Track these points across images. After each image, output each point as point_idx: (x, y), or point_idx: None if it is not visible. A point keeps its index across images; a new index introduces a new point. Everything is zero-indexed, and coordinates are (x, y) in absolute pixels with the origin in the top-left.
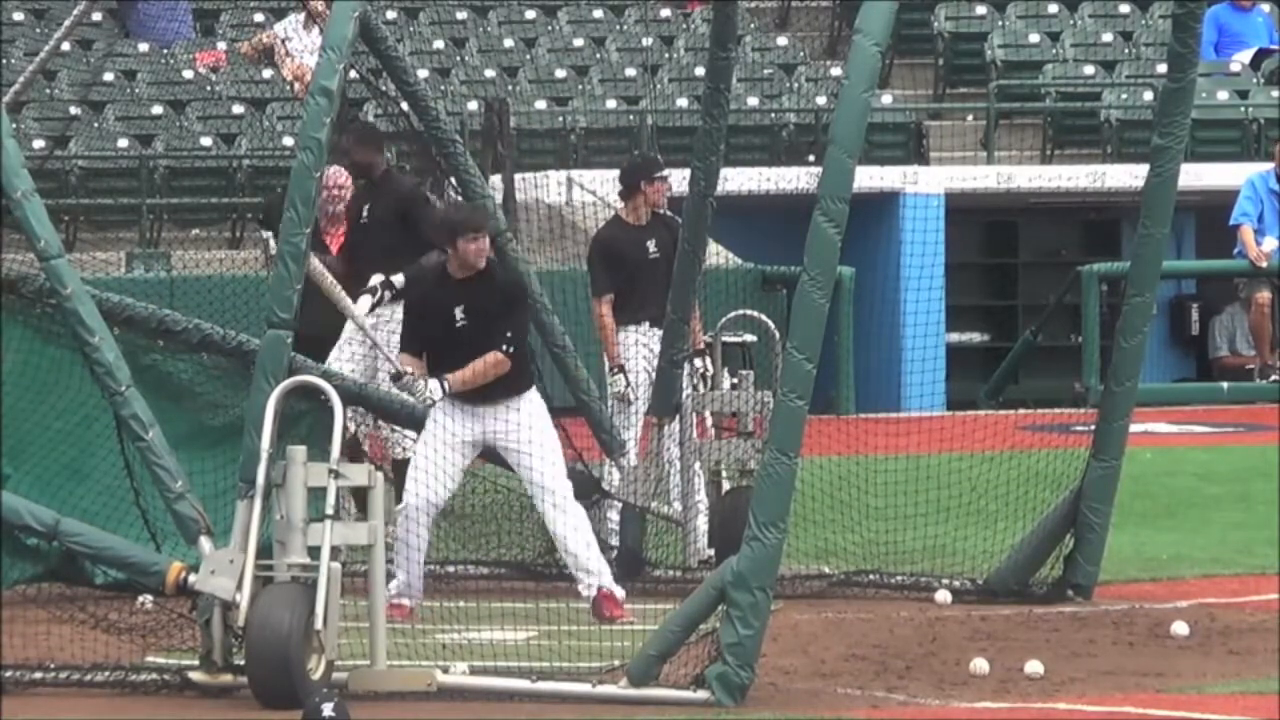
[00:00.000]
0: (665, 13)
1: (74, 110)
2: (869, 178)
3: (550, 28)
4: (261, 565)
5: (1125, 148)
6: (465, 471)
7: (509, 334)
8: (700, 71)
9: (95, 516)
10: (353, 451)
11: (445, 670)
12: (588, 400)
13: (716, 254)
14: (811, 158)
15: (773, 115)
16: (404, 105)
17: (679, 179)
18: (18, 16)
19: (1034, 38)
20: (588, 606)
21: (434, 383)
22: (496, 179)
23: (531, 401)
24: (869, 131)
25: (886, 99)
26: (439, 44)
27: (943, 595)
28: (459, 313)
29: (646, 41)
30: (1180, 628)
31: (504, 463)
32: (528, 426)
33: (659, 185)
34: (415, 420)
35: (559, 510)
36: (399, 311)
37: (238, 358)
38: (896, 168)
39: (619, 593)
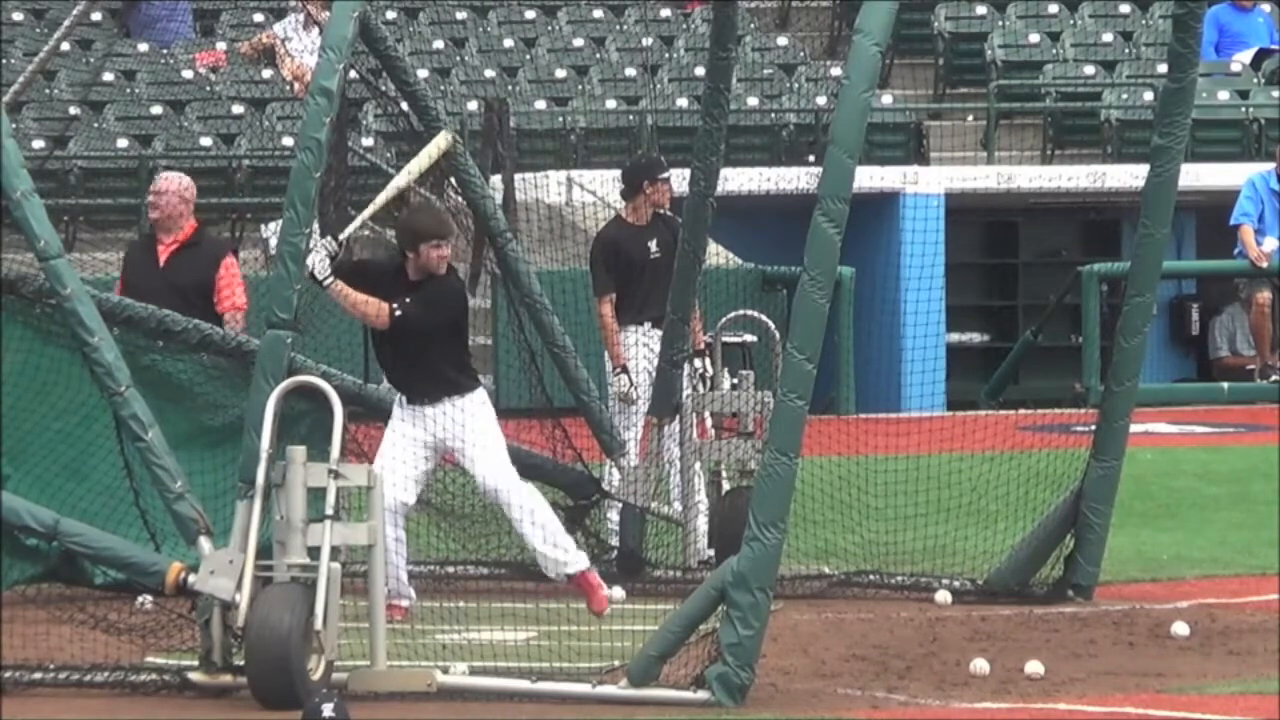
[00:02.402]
0: (665, 13)
1: (74, 110)
2: (869, 178)
3: (550, 28)
4: (261, 565)
5: (1125, 148)
6: (430, 472)
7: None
8: (700, 71)
9: (95, 516)
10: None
11: (445, 670)
12: (588, 400)
13: (716, 254)
14: (811, 158)
15: (773, 115)
16: (404, 105)
17: (679, 179)
18: (18, 16)
19: (1034, 38)
20: (584, 605)
21: (318, 255)
22: (496, 179)
23: (474, 402)
24: (869, 131)
25: (886, 99)
26: (439, 44)
27: (943, 595)
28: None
29: (646, 41)
30: (1180, 628)
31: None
32: (470, 427)
33: (661, 186)
34: None
35: (510, 501)
36: None
37: (238, 358)
38: (896, 168)
39: (616, 593)
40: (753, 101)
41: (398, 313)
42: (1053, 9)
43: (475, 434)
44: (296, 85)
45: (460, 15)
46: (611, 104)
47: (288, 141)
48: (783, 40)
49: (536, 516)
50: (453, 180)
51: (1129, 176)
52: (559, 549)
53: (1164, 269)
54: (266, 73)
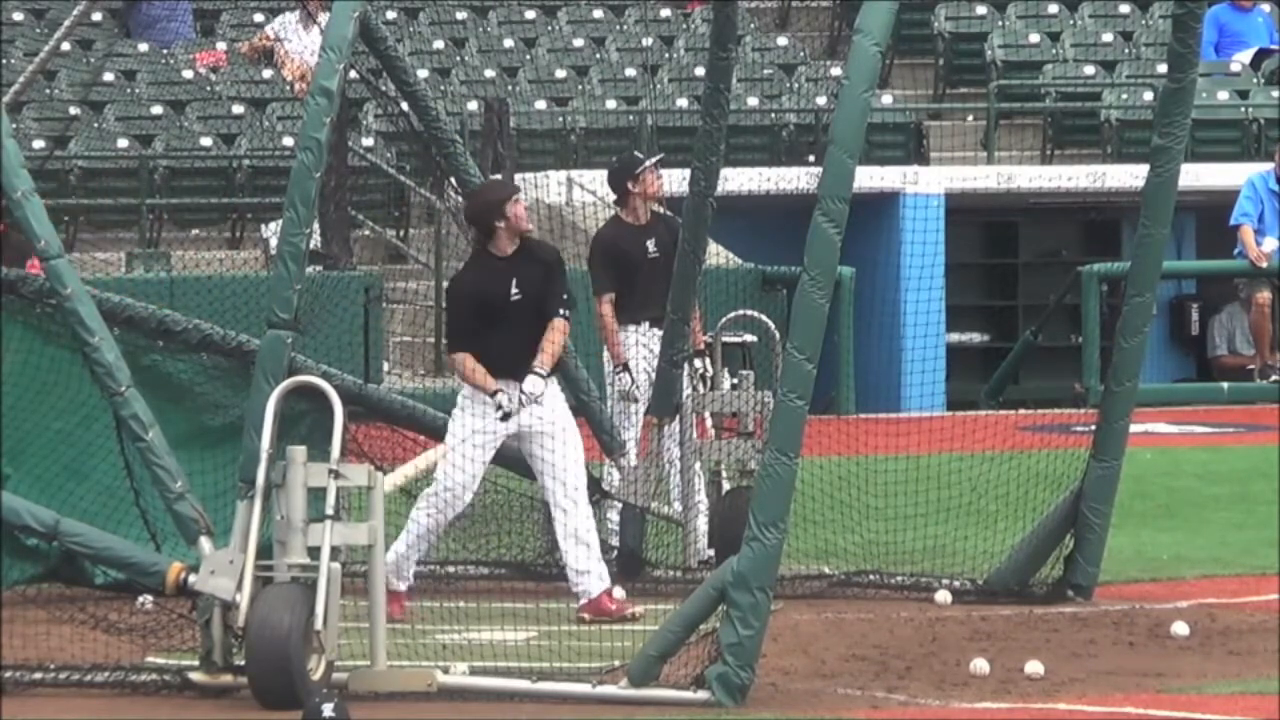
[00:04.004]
0: (665, 13)
1: (74, 110)
2: (869, 178)
3: (550, 28)
4: (261, 565)
5: (1125, 148)
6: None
7: (562, 297)
8: (700, 71)
9: (95, 516)
10: None
11: (445, 670)
12: (588, 400)
13: (716, 254)
14: (811, 158)
15: (773, 115)
16: (404, 105)
17: (679, 179)
18: (18, 16)
19: (1034, 38)
20: (579, 605)
21: (532, 380)
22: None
23: (558, 395)
24: (869, 131)
25: (886, 99)
26: (439, 44)
27: (943, 595)
28: (514, 289)
29: (646, 41)
30: (1180, 628)
31: (510, 462)
32: (560, 416)
33: (646, 178)
34: (416, 421)
35: (571, 504)
36: None
37: (238, 358)
38: (896, 168)
39: (616, 592)
40: (753, 101)
41: (565, 313)
42: (1053, 9)
43: (564, 427)
44: (299, 85)
45: (460, 15)
46: (611, 104)
47: (288, 141)
48: (783, 40)
49: (576, 545)
50: (452, 180)
51: (1129, 176)
52: (583, 576)
53: (1164, 269)
54: (266, 73)
